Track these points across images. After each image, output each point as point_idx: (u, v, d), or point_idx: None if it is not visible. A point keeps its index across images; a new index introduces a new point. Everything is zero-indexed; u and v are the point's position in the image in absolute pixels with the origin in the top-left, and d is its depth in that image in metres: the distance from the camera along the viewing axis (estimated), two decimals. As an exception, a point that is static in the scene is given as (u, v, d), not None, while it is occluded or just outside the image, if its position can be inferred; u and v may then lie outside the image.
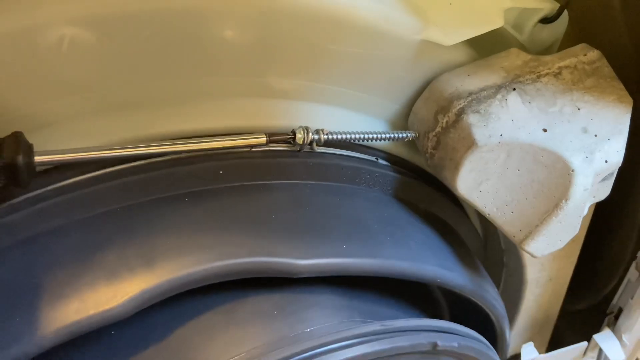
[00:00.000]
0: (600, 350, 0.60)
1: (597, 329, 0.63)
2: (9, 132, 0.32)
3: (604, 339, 0.59)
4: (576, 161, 0.37)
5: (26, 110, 0.32)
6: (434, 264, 0.40)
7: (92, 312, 0.30)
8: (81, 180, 0.34)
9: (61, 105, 0.33)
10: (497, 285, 0.60)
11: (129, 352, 0.33)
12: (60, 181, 0.34)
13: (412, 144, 0.44)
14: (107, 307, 0.30)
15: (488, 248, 0.60)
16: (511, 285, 0.60)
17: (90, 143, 0.34)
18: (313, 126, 0.39)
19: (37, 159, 0.30)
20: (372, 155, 0.42)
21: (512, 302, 0.61)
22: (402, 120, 0.44)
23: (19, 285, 0.31)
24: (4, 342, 0.29)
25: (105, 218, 0.33)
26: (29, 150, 0.30)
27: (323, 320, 0.35)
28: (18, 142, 0.30)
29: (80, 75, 0.32)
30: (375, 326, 0.34)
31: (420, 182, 0.45)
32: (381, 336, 0.34)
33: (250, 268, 0.33)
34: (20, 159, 0.30)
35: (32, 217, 0.33)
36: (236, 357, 0.32)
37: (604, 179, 0.40)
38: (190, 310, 0.34)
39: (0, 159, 0.29)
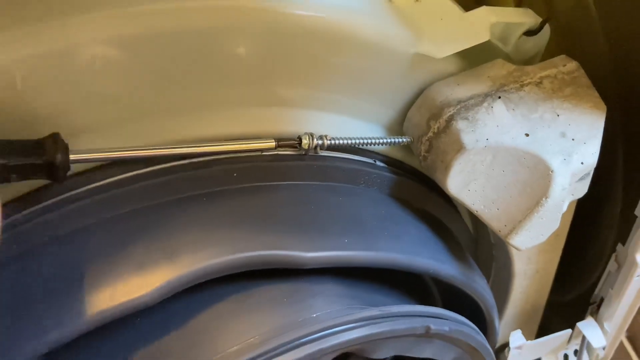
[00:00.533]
0: (584, 337, 0.64)
1: (581, 319, 0.67)
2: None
3: (587, 326, 0.63)
4: (555, 163, 0.41)
5: (64, 119, 0.36)
6: (427, 256, 0.44)
7: (123, 299, 0.34)
8: (109, 182, 0.37)
9: (93, 114, 0.37)
10: (488, 278, 0.64)
11: (153, 337, 0.37)
12: (91, 184, 0.37)
13: (407, 147, 0.48)
14: (136, 295, 0.34)
15: (478, 243, 0.64)
16: (500, 278, 0.64)
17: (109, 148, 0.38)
18: (317, 131, 0.43)
19: (72, 156, 0.34)
20: (371, 157, 0.46)
21: (502, 294, 0.65)
22: (398, 125, 0.48)
23: (57, 277, 0.35)
24: (46, 327, 0.33)
25: (131, 216, 0.37)
26: (65, 149, 0.34)
27: (327, 307, 0.39)
28: (56, 141, 0.34)
29: (111, 87, 0.36)
30: (374, 311, 0.38)
31: (414, 182, 0.48)
32: (379, 320, 0.38)
33: (263, 260, 0.36)
34: (58, 156, 0.33)
35: (66, 216, 0.36)
36: (250, 340, 0.36)
37: (581, 179, 0.44)
38: (207, 298, 0.38)
39: (42, 157, 0.33)
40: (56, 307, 0.34)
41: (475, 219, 0.61)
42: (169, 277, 0.34)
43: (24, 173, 0.32)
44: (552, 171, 0.41)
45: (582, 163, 0.42)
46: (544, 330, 0.72)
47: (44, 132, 0.36)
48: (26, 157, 0.32)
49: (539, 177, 0.41)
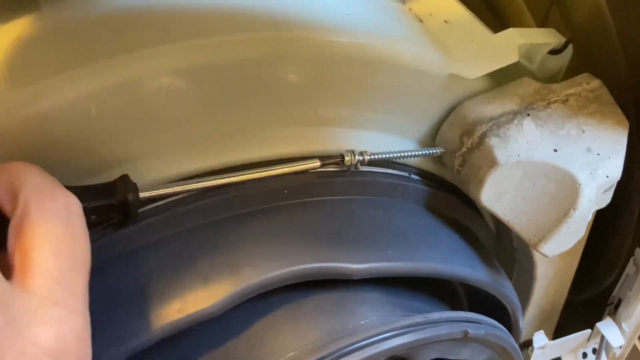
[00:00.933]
0: (602, 337, 0.67)
1: (595, 318, 0.70)
2: (114, 162, 0.39)
3: (606, 326, 0.66)
4: (582, 176, 0.44)
5: (128, 144, 0.39)
6: (461, 264, 0.47)
7: (192, 310, 0.37)
8: (172, 201, 0.40)
9: (155, 139, 0.40)
10: (509, 280, 0.67)
11: (215, 343, 0.40)
12: (155, 203, 0.40)
13: (437, 160, 0.51)
14: (204, 306, 0.37)
15: (500, 247, 0.67)
16: (522, 280, 0.67)
17: (175, 169, 0.41)
18: (356, 148, 0.46)
19: (142, 194, 0.37)
20: (406, 171, 0.49)
21: (523, 295, 0.68)
22: (430, 140, 0.50)
23: (129, 290, 0.38)
24: (123, 337, 0.36)
25: (194, 233, 0.40)
26: (135, 188, 0.37)
27: (372, 314, 0.42)
28: (126, 182, 0.37)
29: (173, 114, 0.39)
30: (418, 318, 0.41)
31: (445, 192, 0.51)
32: (423, 326, 0.41)
33: (315, 272, 0.39)
34: (130, 196, 0.36)
35: (134, 233, 0.39)
36: (303, 347, 0.39)
37: (605, 191, 0.47)
38: (263, 306, 0.41)
39: (116, 198, 0.36)
40: (130, 319, 0.37)
41: (498, 224, 0.64)
42: (234, 289, 0.37)
43: (101, 214, 0.36)
44: (579, 185, 0.44)
45: (607, 176, 0.44)
46: (557, 327, 0.75)
47: (112, 156, 0.39)
48: (102, 200, 0.35)
49: (567, 190, 0.44)
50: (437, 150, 0.47)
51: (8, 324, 0.26)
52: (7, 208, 0.30)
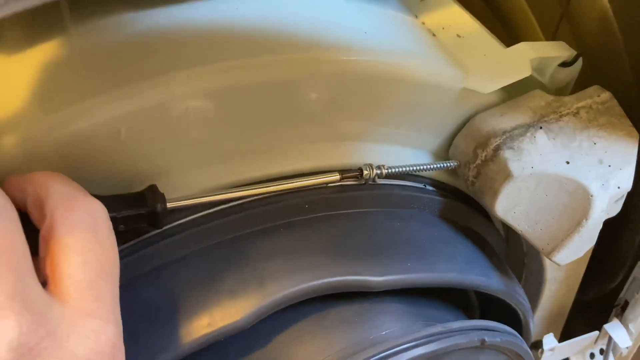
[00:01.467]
0: (610, 338, 0.69)
1: (600, 319, 0.71)
2: (143, 178, 0.40)
3: (613, 328, 0.67)
4: (594, 188, 0.45)
5: (157, 162, 0.40)
6: (477, 273, 0.48)
7: (220, 324, 0.38)
8: (197, 217, 0.42)
9: (182, 157, 0.41)
10: (520, 285, 0.68)
11: (238, 358, 0.41)
12: (180, 219, 0.41)
13: (450, 170, 0.52)
14: (232, 320, 0.38)
15: (510, 251, 0.68)
16: (531, 283, 0.68)
17: (200, 186, 0.42)
18: (373, 161, 0.47)
19: (169, 205, 0.38)
20: (421, 182, 0.50)
21: (532, 298, 0.69)
22: (444, 152, 0.52)
23: (157, 305, 0.39)
24: (153, 352, 0.37)
25: (219, 248, 0.41)
26: (163, 198, 0.38)
27: (393, 324, 0.43)
28: (155, 192, 0.38)
29: (199, 134, 0.40)
30: (438, 328, 0.42)
31: (458, 202, 0.53)
32: (443, 336, 0.42)
33: (338, 285, 0.41)
34: (158, 205, 0.38)
35: (160, 249, 0.41)
36: (327, 358, 0.41)
37: (616, 200, 0.48)
38: (286, 319, 0.42)
39: (144, 207, 0.37)
40: (160, 334, 0.38)
41: (507, 229, 0.66)
42: (261, 302, 0.39)
43: (130, 223, 0.37)
44: (591, 195, 0.45)
45: (618, 187, 0.46)
46: (563, 328, 0.77)
47: (139, 173, 0.40)
48: (131, 209, 0.36)
49: (580, 201, 0.45)
50: (452, 164, 0.48)
51: (48, 336, 0.26)
52: (35, 218, 0.31)
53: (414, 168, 0.47)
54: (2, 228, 0.26)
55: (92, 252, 0.29)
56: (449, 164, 0.49)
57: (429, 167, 0.48)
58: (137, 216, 0.37)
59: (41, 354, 0.26)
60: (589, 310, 0.75)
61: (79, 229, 0.29)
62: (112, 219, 0.33)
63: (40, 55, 0.40)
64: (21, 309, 0.25)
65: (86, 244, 0.29)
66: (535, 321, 0.73)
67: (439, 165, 0.48)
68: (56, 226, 0.29)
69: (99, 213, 0.31)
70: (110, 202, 0.35)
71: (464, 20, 0.52)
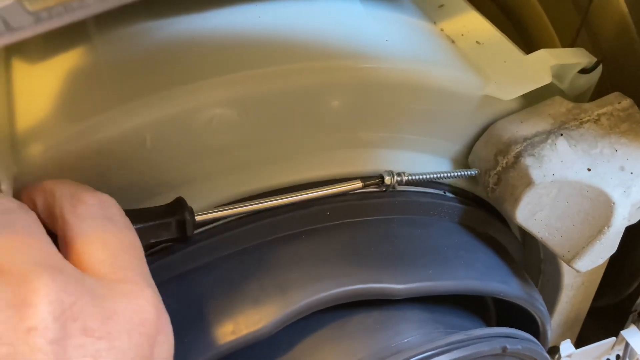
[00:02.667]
0: (627, 344, 0.68)
1: (615, 324, 0.71)
2: (167, 187, 0.41)
3: (631, 334, 0.67)
4: (616, 195, 0.45)
5: (180, 170, 0.41)
6: (497, 280, 0.48)
7: (245, 332, 0.38)
8: (220, 225, 0.42)
9: (206, 165, 0.41)
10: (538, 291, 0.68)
11: (264, 361, 0.41)
12: (204, 226, 0.42)
13: (470, 177, 0.52)
14: (256, 327, 0.38)
15: (527, 257, 0.68)
16: (548, 290, 0.68)
17: (225, 193, 0.42)
18: (394, 167, 0.47)
19: (197, 217, 0.38)
20: (441, 189, 0.50)
21: (548, 304, 0.69)
22: (463, 158, 0.52)
23: (181, 312, 0.39)
24: (178, 358, 0.37)
25: (242, 255, 0.41)
26: (191, 211, 0.38)
27: (415, 332, 0.43)
28: (182, 205, 0.38)
29: (223, 142, 0.40)
30: (460, 336, 0.42)
31: (478, 208, 0.53)
32: (465, 343, 0.42)
33: (361, 293, 0.41)
34: (187, 218, 0.38)
35: (184, 256, 0.41)
36: (352, 364, 0.41)
37: (638, 207, 0.48)
38: (308, 327, 0.42)
39: (173, 218, 0.37)
40: (185, 341, 0.38)
41: (524, 235, 0.66)
42: (284, 310, 0.39)
43: (158, 235, 0.37)
44: (613, 203, 0.45)
45: (640, 194, 0.46)
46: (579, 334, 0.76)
47: (163, 181, 0.41)
48: (160, 221, 0.36)
49: (601, 208, 0.45)
50: (473, 172, 0.48)
51: (87, 293, 0.25)
52: (49, 224, 0.31)
53: (435, 176, 0.47)
54: (22, 219, 0.27)
55: (110, 234, 0.29)
56: (470, 172, 0.49)
57: (450, 174, 0.48)
58: (166, 229, 0.37)
59: (83, 308, 0.25)
60: (604, 315, 0.75)
61: (90, 219, 0.29)
62: (140, 231, 0.33)
63: (64, 63, 0.41)
64: (52, 271, 0.25)
65: (102, 230, 0.29)
66: (551, 327, 0.72)
67: (460, 174, 0.48)
68: (69, 222, 0.29)
69: (108, 202, 0.31)
70: (138, 215, 0.35)
71: (483, 27, 0.52)
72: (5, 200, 0.28)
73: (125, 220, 0.31)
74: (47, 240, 0.27)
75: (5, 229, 0.26)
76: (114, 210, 0.31)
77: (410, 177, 0.46)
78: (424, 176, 0.47)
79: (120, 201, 0.33)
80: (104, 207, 0.31)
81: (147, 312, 0.28)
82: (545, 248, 0.49)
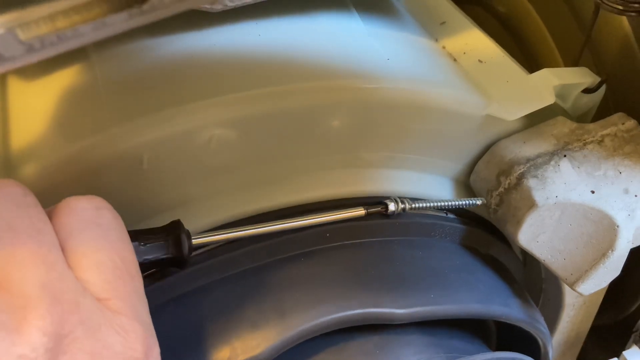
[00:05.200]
0: (629, 365, 0.67)
1: (616, 344, 0.70)
2: (164, 206, 0.40)
3: (633, 355, 0.66)
4: (620, 218, 0.44)
5: (177, 192, 0.40)
6: (499, 303, 0.47)
7: (241, 358, 0.37)
8: (218, 247, 0.41)
9: (204, 185, 0.40)
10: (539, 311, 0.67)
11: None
12: (202, 247, 0.41)
13: (472, 195, 0.51)
14: (254, 354, 0.37)
15: (528, 276, 0.67)
16: (549, 309, 0.67)
17: (224, 214, 0.41)
18: (393, 188, 0.46)
19: (194, 241, 0.37)
20: (442, 210, 0.50)
21: (549, 323, 0.68)
22: (464, 177, 0.51)
23: (177, 336, 0.39)
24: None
25: (239, 277, 0.41)
26: (188, 234, 0.37)
27: (415, 357, 0.42)
28: (179, 228, 0.37)
29: (222, 162, 0.40)
30: (461, 361, 0.41)
31: (479, 229, 0.52)
32: (466, 369, 0.41)
33: (361, 318, 0.40)
34: (184, 242, 0.36)
35: (180, 279, 0.40)
36: (350, 390, 0.40)
37: (642, 230, 0.47)
38: (306, 351, 0.41)
39: (168, 241, 0.36)
40: (180, 365, 0.37)
41: (525, 254, 0.65)
42: (282, 336, 0.38)
43: (154, 257, 0.35)
44: (617, 226, 0.44)
45: (645, 218, 0.45)
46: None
47: (161, 201, 0.40)
48: (156, 243, 0.35)
49: (605, 231, 0.45)
50: (477, 202, 0.48)
51: (81, 324, 0.25)
52: None
53: (439, 204, 0.46)
54: (29, 217, 0.26)
55: (103, 251, 0.28)
56: (473, 202, 0.48)
57: (454, 203, 0.47)
58: (161, 250, 0.36)
59: (74, 342, 0.25)
60: (605, 335, 0.74)
61: (80, 229, 0.28)
62: (137, 252, 0.32)
63: (61, 81, 0.40)
64: (52, 299, 0.24)
65: (93, 243, 0.28)
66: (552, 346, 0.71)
67: (463, 202, 0.48)
68: (64, 237, 0.27)
69: (96, 204, 0.29)
70: (135, 235, 0.34)
71: (485, 45, 0.52)
72: (18, 188, 0.27)
73: (117, 226, 0.30)
74: (56, 246, 0.26)
75: (15, 231, 0.25)
76: (104, 211, 0.30)
77: (413, 205, 0.45)
78: (428, 204, 0.46)
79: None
80: (94, 208, 0.29)
81: (136, 351, 0.27)
82: (546, 268, 0.48)
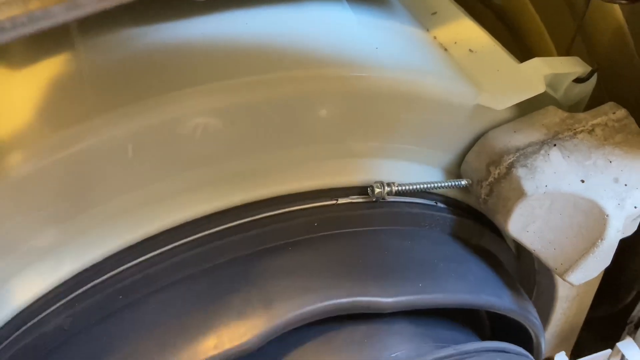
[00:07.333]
0: (623, 356, 0.67)
1: (610, 335, 0.70)
2: (150, 196, 0.40)
3: (627, 346, 0.66)
4: (610, 207, 0.44)
5: (163, 182, 0.40)
6: (489, 293, 0.47)
7: (227, 346, 0.37)
8: (207, 235, 0.41)
9: (191, 176, 0.40)
10: (532, 303, 0.67)
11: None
12: (189, 236, 0.41)
13: (463, 187, 0.51)
14: (240, 342, 0.37)
15: (521, 269, 0.67)
16: (542, 301, 0.67)
17: (211, 205, 0.41)
18: (384, 178, 0.46)
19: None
20: (432, 200, 0.49)
21: (543, 315, 0.68)
22: (455, 168, 0.51)
23: (163, 325, 0.39)
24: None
25: (227, 267, 0.41)
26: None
27: (403, 346, 0.42)
28: None
29: (207, 152, 0.40)
30: (449, 350, 0.41)
31: (470, 220, 0.52)
32: (454, 357, 0.41)
33: (348, 306, 0.40)
34: None
35: (168, 268, 0.40)
36: (338, 379, 0.40)
37: (633, 220, 0.47)
38: (294, 340, 0.41)
39: None
40: (166, 355, 0.37)
41: (519, 246, 0.65)
42: (268, 324, 0.38)
43: None
44: (607, 215, 0.44)
45: (635, 207, 0.45)
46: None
47: (146, 193, 0.40)
48: None
49: (595, 221, 0.44)
50: (464, 182, 0.48)
51: None
52: None
53: (425, 186, 0.46)
54: None
55: None
56: (460, 183, 0.48)
57: (440, 184, 0.47)
58: None
59: None
60: (599, 327, 0.74)
61: None
62: None
63: (47, 70, 0.40)
64: None
65: None
66: (546, 338, 0.71)
67: (450, 184, 0.48)
68: None
69: None
70: None
71: (476, 35, 0.52)
72: None
73: None
74: None
75: None
76: None
77: (400, 188, 0.45)
78: (414, 186, 0.46)
79: (102, 211, 0.33)
80: None
81: None
82: (539, 260, 0.48)
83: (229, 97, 0.38)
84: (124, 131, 0.36)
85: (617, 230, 0.45)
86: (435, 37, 0.51)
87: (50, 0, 0.19)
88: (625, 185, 0.45)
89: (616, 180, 0.45)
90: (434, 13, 0.54)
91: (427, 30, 0.52)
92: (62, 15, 0.19)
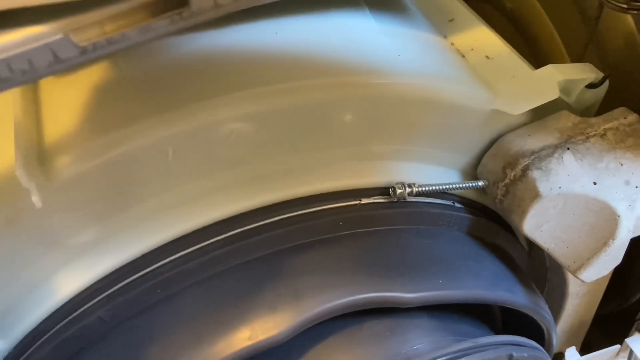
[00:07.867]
0: (631, 352, 0.69)
1: (620, 331, 0.72)
2: (187, 199, 0.42)
3: (635, 342, 0.68)
4: (621, 208, 0.46)
5: (199, 182, 0.42)
6: (504, 289, 0.49)
7: (260, 338, 0.40)
8: (238, 232, 0.43)
9: (224, 177, 0.43)
10: (544, 299, 0.69)
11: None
12: (223, 234, 0.43)
13: (479, 188, 0.53)
14: (272, 334, 0.40)
15: (533, 265, 0.69)
16: (553, 297, 0.69)
17: (242, 204, 0.44)
18: (404, 179, 0.48)
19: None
20: (450, 200, 0.52)
21: (554, 311, 0.70)
22: (472, 169, 0.53)
23: (199, 318, 0.41)
24: (197, 363, 0.39)
25: (258, 263, 0.43)
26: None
27: (424, 339, 0.45)
28: None
29: (239, 155, 0.42)
30: (467, 343, 0.43)
31: (486, 219, 0.54)
32: (472, 350, 0.43)
33: (373, 301, 0.42)
34: None
35: (202, 264, 0.42)
36: (363, 370, 0.42)
37: (642, 220, 0.49)
38: (320, 334, 0.44)
39: None
40: (203, 346, 0.40)
41: (531, 243, 0.67)
42: (298, 317, 0.40)
43: None
44: (618, 216, 0.46)
45: (645, 208, 0.47)
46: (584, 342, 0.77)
47: (185, 192, 0.42)
48: None
49: (606, 221, 0.47)
50: (481, 183, 0.50)
51: None
52: None
53: (444, 187, 0.49)
54: None
55: None
56: (477, 184, 0.50)
57: (458, 185, 0.49)
58: None
59: None
60: (609, 323, 0.76)
61: None
62: None
63: (89, 77, 0.43)
64: None
65: None
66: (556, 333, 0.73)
67: (468, 185, 0.50)
68: None
69: None
70: None
71: (492, 42, 0.54)
72: None
73: None
74: None
75: None
76: None
77: (420, 189, 0.47)
78: (434, 187, 0.48)
79: (140, 210, 0.35)
80: None
81: None
82: (551, 257, 0.50)
83: (261, 104, 0.40)
84: (164, 136, 0.39)
85: (627, 230, 0.47)
86: (452, 44, 0.53)
87: (124, 24, 0.22)
88: (636, 187, 0.47)
89: (627, 182, 0.47)
90: (451, 20, 0.56)
91: (445, 37, 0.54)
92: (136, 38, 0.21)
